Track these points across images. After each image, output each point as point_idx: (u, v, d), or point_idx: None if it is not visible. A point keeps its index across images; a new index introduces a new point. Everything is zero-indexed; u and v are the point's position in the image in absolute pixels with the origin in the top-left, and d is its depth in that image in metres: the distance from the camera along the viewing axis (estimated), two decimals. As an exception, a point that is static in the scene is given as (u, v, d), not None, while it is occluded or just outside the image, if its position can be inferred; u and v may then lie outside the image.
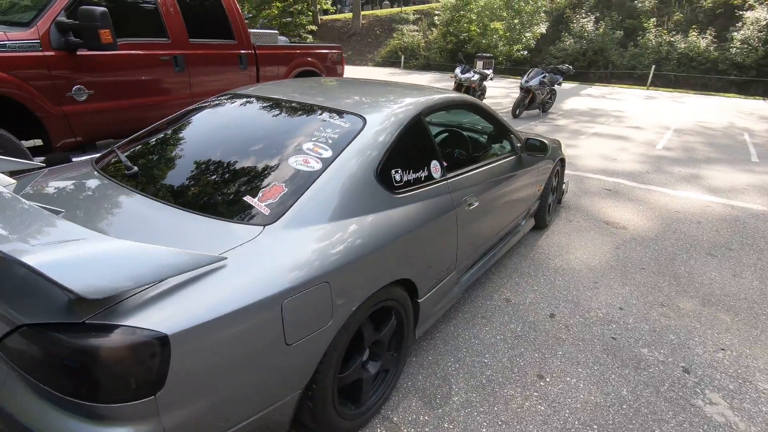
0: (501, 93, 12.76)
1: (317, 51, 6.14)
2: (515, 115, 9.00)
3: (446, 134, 2.69)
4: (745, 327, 2.40)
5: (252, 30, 5.27)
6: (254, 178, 1.48)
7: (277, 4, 28.89)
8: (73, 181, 1.63)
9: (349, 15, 30.89)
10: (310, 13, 30.11)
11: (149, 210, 1.38)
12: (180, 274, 1.04)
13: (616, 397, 1.88)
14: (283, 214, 1.34)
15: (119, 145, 1.91)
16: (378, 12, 30.60)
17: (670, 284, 2.81)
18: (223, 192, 1.45)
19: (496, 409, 1.80)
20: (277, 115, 1.85)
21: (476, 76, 9.37)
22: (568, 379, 1.98)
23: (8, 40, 3.01)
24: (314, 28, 29.80)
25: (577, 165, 5.56)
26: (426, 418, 1.74)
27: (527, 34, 20.80)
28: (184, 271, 1.03)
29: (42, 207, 1.22)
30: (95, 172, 1.67)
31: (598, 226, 3.68)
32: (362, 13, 30.12)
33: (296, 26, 28.78)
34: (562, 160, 3.59)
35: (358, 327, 1.49)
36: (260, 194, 1.41)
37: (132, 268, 0.96)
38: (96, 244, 0.96)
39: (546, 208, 3.38)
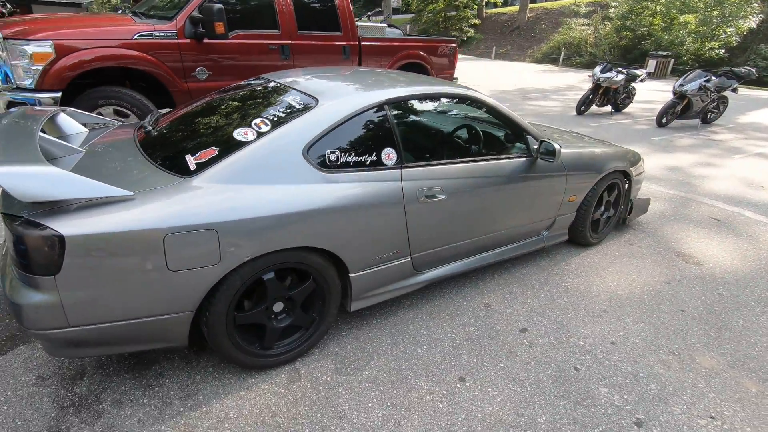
0: (662, 97, 10.94)
1: (426, 44, 6.32)
2: (661, 124, 7.76)
3: (439, 125, 2.52)
4: (776, 405, 1.88)
5: (360, 23, 5.71)
6: (203, 142, 1.84)
7: (444, -3, 29.41)
8: (115, 135, 2.23)
9: (516, 8, 29.63)
10: (476, 7, 29.87)
11: (133, 158, 1.85)
12: (93, 198, 1.45)
13: (527, 421, 1.75)
14: (203, 171, 1.66)
15: (163, 113, 2.49)
16: (549, 4, 28.65)
17: (705, 334, 2.31)
18: (178, 150, 1.84)
19: (395, 392, 1.86)
20: (262, 95, 2.18)
21: (620, 77, 8.29)
22: (489, 390, 1.89)
23: (155, 30, 3.99)
24: (477, 21, 29.53)
25: (697, 186, 4.64)
26: (328, 379, 1.91)
27: (729, 29, 17.17)
28: (95, 197, 1.44)
29: (67, 145, 1.79)
30: (132, 130, 2.25)
31: (664, 256, 3.12)
32: (531, 5, 28.59)
33: (459, 20, 28.95)
34: (626, 174, 3.13)
35: (258, 277, 1.75)
36: (198, 154, 1.76)
37: (59, 187, 1.39)
38: (44, 169, 1.42)
39: (586, 223, 3.03)
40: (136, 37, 3.89)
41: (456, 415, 1.76)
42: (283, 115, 1.90)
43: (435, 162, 2.17)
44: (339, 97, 2.00)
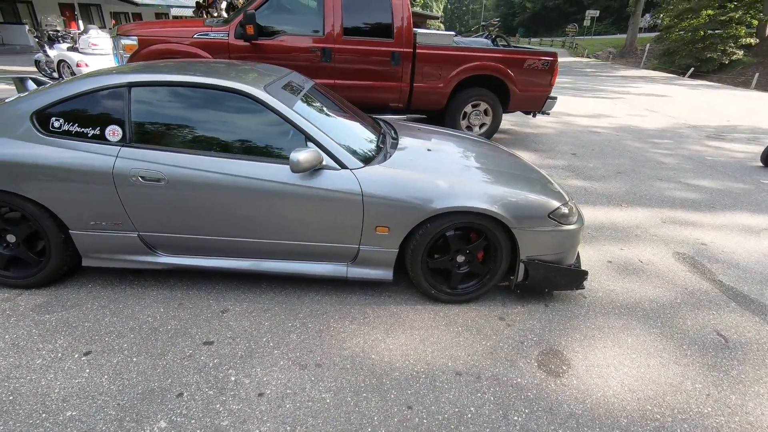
0: None
1: (507, 56, 5.63)
2: None
3: (193, 116, 2.28)
4: None
5: (421, 30, 5.54)
6: None
7: (708, 12, 24.08)
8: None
9: (820, 24, 21.75)
10: (755, 22, 23.26)
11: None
12: None
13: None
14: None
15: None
16: None
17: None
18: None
19: (33, 339, 2.05)
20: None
21: None
22: (81, 373, 1.88)
23: (211, 32, 4.94)
24: (752, 41, 22.92)
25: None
26: (21, 309, 2.24)
27: None
28: None
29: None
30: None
31: (522, 347, 2.17)
32: None
33: (724, 38, 23.10)
34: (502, 224, 2.30)
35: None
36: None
37: None
38: None
39: (417, 269, 2.37)
40: (195, 36, 4.91)
41: (23, 378, 1.85)
42: (43, 89, 2.31)
43: (163, 148, 2.20)
44: (92, 76, 2.27)
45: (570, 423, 1.77)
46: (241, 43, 4.99)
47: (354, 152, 2.33)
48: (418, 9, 41.60)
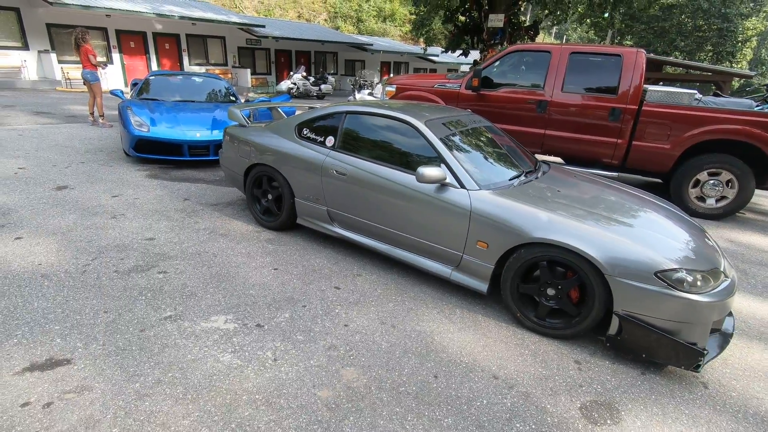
0: None
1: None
2: None
3: (374, 134, 3.24)
4: None
5: (653, 87, 5.20)
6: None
7: None
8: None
9: None
10: None
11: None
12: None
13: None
14: (268, 124, 3.89)
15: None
16: None
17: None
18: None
19: (300, 260, 3.41)
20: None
21: None
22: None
23: (447, 83, 6.13)
24: None
25: None
26: (261, 233, 3.69)
27: None
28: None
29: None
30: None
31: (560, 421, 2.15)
32: None
33: None
34: (595, 266, 2.32)
35: (256, 174, 3.80)
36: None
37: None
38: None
39: (506, 289, 2.61)
40: (435, 86, 6.19)
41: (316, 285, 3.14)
42: (306, 111, 3.75)
43: (350, 153, 3.26)
44: (328, 107, 3.56)
45: (569, 455, 1.78)
46: (467, 92, 5.96)
47: (476, 178, 2.82)
48: (738, 67, 34.46)
